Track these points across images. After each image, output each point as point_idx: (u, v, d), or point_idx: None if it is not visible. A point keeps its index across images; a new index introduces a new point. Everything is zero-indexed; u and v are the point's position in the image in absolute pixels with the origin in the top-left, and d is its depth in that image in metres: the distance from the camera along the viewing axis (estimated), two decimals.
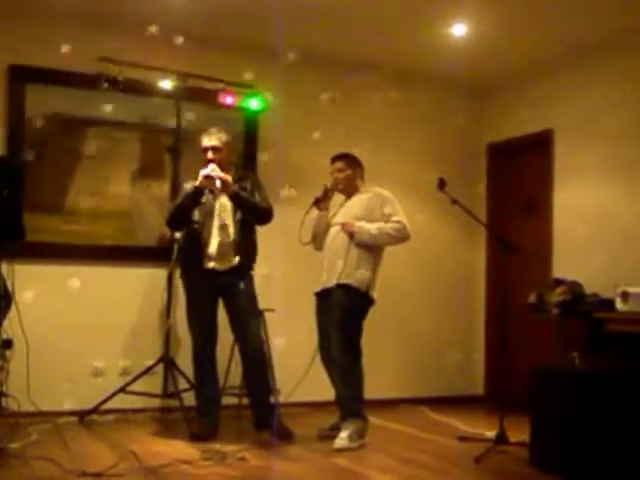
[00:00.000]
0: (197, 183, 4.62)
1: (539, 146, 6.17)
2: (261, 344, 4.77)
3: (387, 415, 5.57)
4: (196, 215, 4.73)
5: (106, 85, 5.07)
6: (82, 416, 5.06)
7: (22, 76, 5.24)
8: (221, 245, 4.68)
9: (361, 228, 4.70)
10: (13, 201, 3.63)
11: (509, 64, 6.18)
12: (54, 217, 5.31)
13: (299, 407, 5.57)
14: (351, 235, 4.72)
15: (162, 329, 5.23)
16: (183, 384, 5.09)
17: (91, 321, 5.24)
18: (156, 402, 5.29)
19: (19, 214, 3.70)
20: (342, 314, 4.64)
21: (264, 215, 4.76)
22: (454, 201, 4.72)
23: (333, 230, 4.84)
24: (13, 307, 4.05)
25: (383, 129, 6.32)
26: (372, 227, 4.70)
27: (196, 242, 4.70)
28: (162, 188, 5.55)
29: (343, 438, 4.54)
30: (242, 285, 4.67)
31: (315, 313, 4.87)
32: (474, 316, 6.72)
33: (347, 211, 4.86)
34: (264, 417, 4.71)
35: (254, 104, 5.67)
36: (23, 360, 4.16)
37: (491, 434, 4.69)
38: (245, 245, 4.73)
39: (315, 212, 4.95)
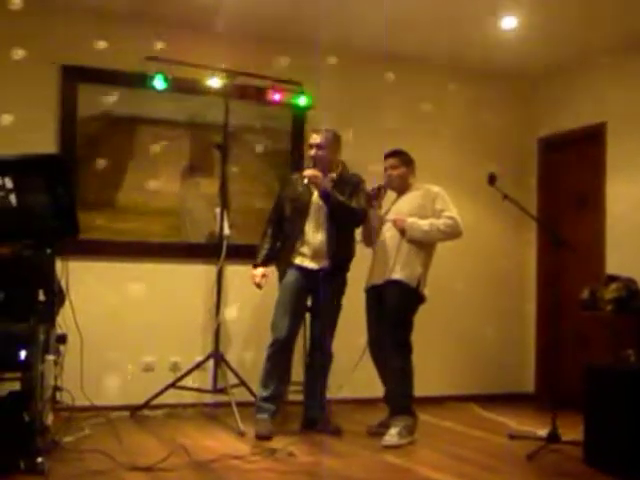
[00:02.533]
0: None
1: (591, 140, 6.05)
2: (324, 353, 4.77)
3: (436, 412, 5.54)
4: (288, 211, 4.79)
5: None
6: (133, 411, 5.13)
7: (74, 76, 5.32)
8: (313, 244, 4.69)
9: (412, 224, 4.67)
10: (67, 198, 3.68)
11: (560, 57, 6.08)
12: (106, 215, 5.39)
13: (348, 403, 5.56)
14: (402, 232, 4.69)
15: (212, 325, 5.27)
16: (233, 380, 5.12)
17: (142, 317, 5.31)
18: (206, 397, 5.33)
19: (73, 211, 3.75)
20: (392, 310, 4.62)
21: (353, 216, 4.74)
22: (505, 196, 4.66)
23: (385, 226, 4.82)
24: (67, 303, 4.11)
25: (433, 124, 6.27)
26: (424, 223, 4.68)
27: (288, 238, 4.76)
28: (211, 185, 5.59)
29: (392, 435, 4.53)
30: (330, 288, 4.70)
31: (365, 309, 4.85)
32: (525, 312, 6.63)
33: (399, 208, 4.83)
34: (315, 419, 4.77)
35: (302, 101, 5.68)
36: (77, 355, 4.23)
37: (542, 432, 4.63)
38: (338, 246, 4.71)
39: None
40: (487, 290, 6.43)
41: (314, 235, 4.71)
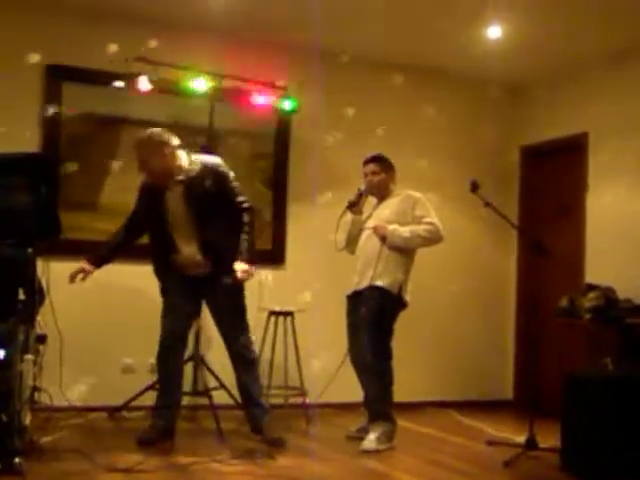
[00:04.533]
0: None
1: (573, 149, 6.11)
2: (243, 350, 4.45)
3: (415, 418, 5.56)
4: (154, 224, 4.43)
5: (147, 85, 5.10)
6: (112, 412, 5.11)
7: (58, 75, 5.31)
8: (188, 256, 4.38)
9: (394, 231, 4.68)
10: (50, 198, 3.67)
11: (544, 67, 6.14)
12: (88, 215, 5.37)
13: (328, 408, 5.56)
14: (383, 238, 4.70)
15: (192, 327, 5.25)
16: (213, 382, 5.12)
17: (122, 318, 5.30)
18: (185, 400, 5.30)
19: (56, 211, 3.74)
20: (373, 315, 4.63)
21: (253, 221, 4.42)
22: (487, 204, 4.68)
23: (365, 233, 4.83)
24: (47, 303, 4.10)
25: (416, 131, 6.31)
26: (404, 230, 4.69)
27: (162, 251, 4.44)
28: None
29: (371, 440, 4.54)
30: (222, 291, 4.38)
31: (346, 315, 4.86)
32: (504, 320, 6.68)
33: (379, 214, 4.84)
34: (255, 420, 4.51)
35: (287, 105, 5.69)
36: (56, 355, 4.22)
37: (520, 439, 4.65)
38: (218, 251, 4.35)
39: (349, 216, 4.93)
40: (467, 297, 6.46)
41: (187, 247, 4.37)
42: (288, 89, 5.64)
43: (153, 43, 5.32)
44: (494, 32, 5.43)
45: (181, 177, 4.33)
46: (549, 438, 4.48)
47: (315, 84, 5.77)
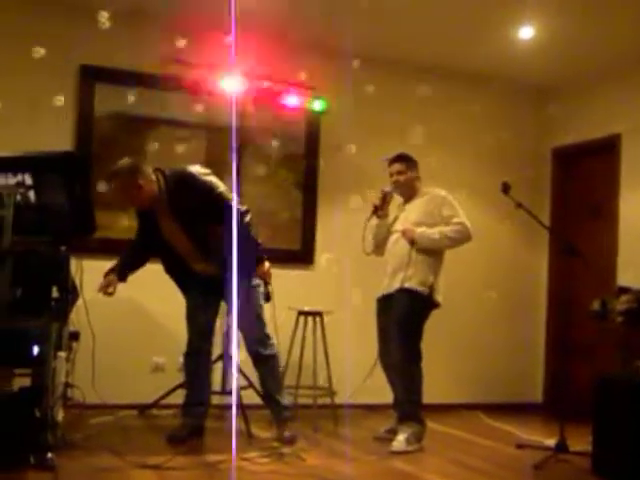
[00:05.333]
0: None
1: (606, 151, 6.06)
2: (259, 346, 4.46)
3: (444, 420, 5.53)
4: (161, 252, 4.53)
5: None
6: (142, 410, 5.15)
7: (92, 76, 5.38)
8: (200, 268, 4.48)
9: (422, 234, 4.65)
10: (84, 196, 3.71)
11: (576, 67, 6.08)
12: (120, 214, 5.41)
13: (357, 409, 5.56)
14: (412, 242, 4.67)
15: (222, 327, 5.28)
16: (242, 381, 5.14)
17: (154, 317, 5.35)
18: (214, 399, 5.33)
19: (90, 209, 3.78)
20: (403, 317, 4.61)
21: (250, 221, 4.39)
22: (519, 205, 4.65)
23: (394, 236, 4.81)
24: (80, 301, 4.14)
25: (447, 132, 6.28)
26: (433, 232, 4.66)
27: (176, 272, 4.57)
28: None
29: (400, 441, 4.52)
30: (231, 288, 4.25)
31: (376, 317, 4.84)
32: (535, 322, 6.63)
33: (407, 216, 4.81)
34: (275, 416, 4.57)
35: (317, 105, 5.69)
36: (89, 353, 4.26)
37: (550, 442, 4.62)
38: (220, 256, 4.20)
39: (375, 219, 4.86)
40: (497, 299, 6.40)
41: (192, 259, 4.46)
42: (318, 90, 5.64)
43: (184, 44, 5.34)
44: (526, 33, 5.41)
45: (163, 198, 4.30)
46: (580, 442, 4.44)
47: (346, 85, 5.76)
